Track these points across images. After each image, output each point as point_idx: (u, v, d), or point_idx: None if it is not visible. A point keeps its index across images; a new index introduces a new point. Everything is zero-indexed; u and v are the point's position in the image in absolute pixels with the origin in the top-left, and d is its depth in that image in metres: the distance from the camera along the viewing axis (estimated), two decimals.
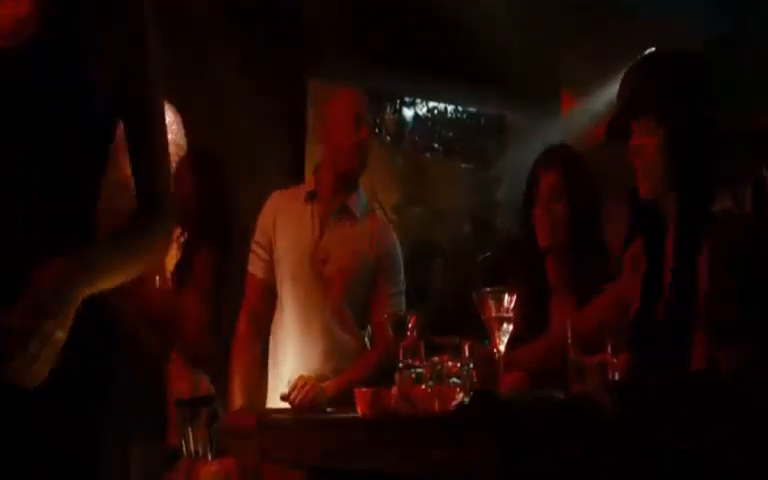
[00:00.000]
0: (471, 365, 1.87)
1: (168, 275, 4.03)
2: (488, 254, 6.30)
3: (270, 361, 3.50)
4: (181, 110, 5.04)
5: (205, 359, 3.64)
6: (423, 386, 1.93)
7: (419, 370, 2.01)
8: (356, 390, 2.52)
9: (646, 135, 2.34)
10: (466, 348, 1.86)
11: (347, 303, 3.40)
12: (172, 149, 4.96)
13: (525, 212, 2.87)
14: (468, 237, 6.68)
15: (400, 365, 2.10)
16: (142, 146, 1.57)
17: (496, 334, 2.02)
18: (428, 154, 6.82)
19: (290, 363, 3.41)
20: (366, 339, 3.51)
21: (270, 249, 3.55)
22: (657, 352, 2.12)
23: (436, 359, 1.83)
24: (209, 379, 3.62)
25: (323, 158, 3.57)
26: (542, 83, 6.72)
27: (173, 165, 4.65)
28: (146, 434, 3.58)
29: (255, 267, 3.59)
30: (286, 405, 3.20)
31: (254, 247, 3.61)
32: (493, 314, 2.02)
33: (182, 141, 5.04)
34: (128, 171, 2.96)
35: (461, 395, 1.82)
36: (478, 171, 6.99)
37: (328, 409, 3.19)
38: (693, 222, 2.22)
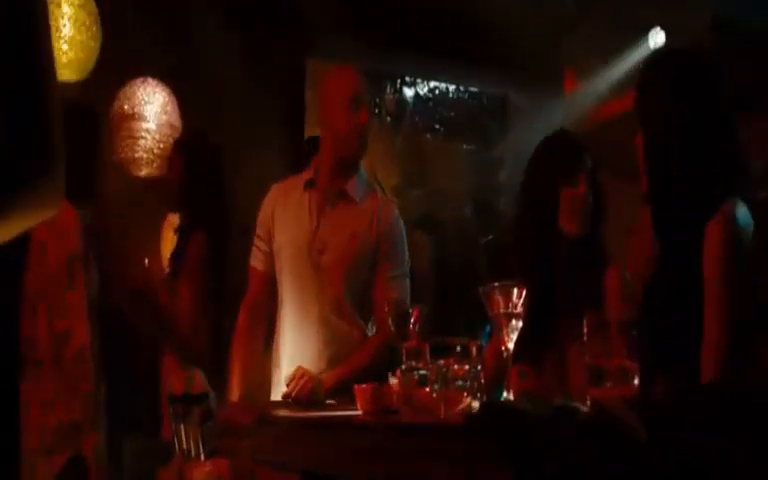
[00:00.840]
0: (479, 367, 1.77)
1: (163, 261, 3.94)
2: (490, 237, 6.20)
3: (273, 355, 3.42)
4: (176, 92, 4.98)
5: (200, 354, 3.60)
6: (427, 388, 1.83)
7: (423, 372, 1.92)
8: (356, 386, 2.43)
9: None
10: (474, 349, 1.75)
11: (347, 293, 3.28)
12: (167, 130, 4.95)
13: (541, 194, 2.63)
14: (470, 220, 6.59)
15: (403, 367, 2.00)
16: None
17: (504, 331, 1.92)
18: (429, 135, 6.75)
19: (289, 357, 3.32)
20: (369, 329, 3.40)
21: (270, 241, 3.47)
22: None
23: (442, 362, 1.72)
24: (204, 375, 3.54)
25: (322, 143, 3.45)
26: (545, 63, 6.62)
27: (167, 147, 4.60)
28: (139, 428, 3.51)
29: (256, 260, 3.51)
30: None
31: (255, 240, 3.53)
32: (501, 310, 1.92)
33: (177, 122, 4.97)
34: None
35: (468, 399, 1.72)
36: (480, 152, 6.92)
37: (328, 401, 3.10)
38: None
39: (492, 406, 1.42)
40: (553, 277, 2.52)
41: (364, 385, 2.42)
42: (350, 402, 2.60)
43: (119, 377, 3.61)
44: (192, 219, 3.81)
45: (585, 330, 1.60)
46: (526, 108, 6.75)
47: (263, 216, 3.53)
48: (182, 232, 3.86)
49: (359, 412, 2.40)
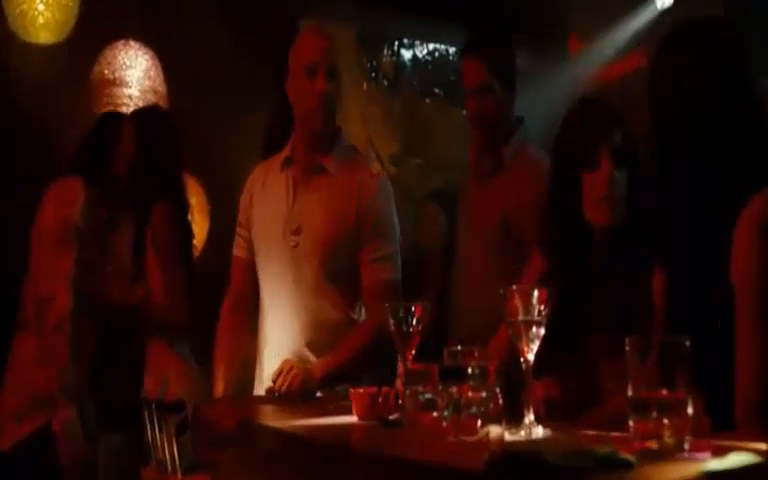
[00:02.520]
0: (498, 389, 1.50)
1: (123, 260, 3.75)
2: None
3: (257, 347, 3.20)
4: (160, 55, 4.71)
5: (182, 328, 3.49)
6: (435, 413, 1.57)
7: (429, 396, 1.66)
8: (352, 392, 2.21)
9: None
10: (492, 373, 1.49)
11: (327, 275, 3.02)
12: (150, 96, 4.68)
13: (561, 181, 2.28)
14: None
15: (407, 392, 1.74)
16: None
17: (524, 340, 1.67)
18: (428, 100, 6.55)
19: (270, 348, 3.09)
20: (358, 312, 3.16)
21: (249, 226, 3.25)
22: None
23: (454, 389, 1.45)
24: (192, 359, 3.36)
25: (295, 117, 3.20)
26: (549, 25, 6.40)
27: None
28: (119, 422, 3.34)
29: (237, 248, 3.30)
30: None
31: (237, 229, 3.32)
32: (520, 317, 1.66)
33: (161, 88, 4.70)
34: None
35: (479, 424, 1.46)
36: None
37: (318, 393, 2.87)
38: None
39: (514, 457, 1.16)
40: (584, 280, 2.21)
41: (361, 390, 2.20)
42: (341, 397, 2.46)
43: (98, 365, 3.44)
44: (147, 193, 3.58)
45: (627, 356, 1.33)
46: (529, 71, 6.55)
47: (243, 200, 3.33)
48: (138, 208, 3.63)
49: (355, 419, 2.18)
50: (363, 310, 3.14)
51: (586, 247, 2.22)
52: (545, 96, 6.72)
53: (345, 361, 2.94)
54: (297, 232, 3.06)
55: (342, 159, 3.14)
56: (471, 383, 1.45)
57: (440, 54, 6.59)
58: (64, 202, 3.44)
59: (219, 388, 3.05)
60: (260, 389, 3.09)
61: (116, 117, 3.91)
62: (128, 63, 4.59)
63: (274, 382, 2.81)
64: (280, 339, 3.06)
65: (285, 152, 3.20)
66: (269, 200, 3.18)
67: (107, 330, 3.47)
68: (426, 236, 5.03)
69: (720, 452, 1.28)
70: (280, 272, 3.08)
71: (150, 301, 3.49)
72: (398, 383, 2.23)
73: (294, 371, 2.83)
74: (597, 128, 2.23)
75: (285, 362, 2.86)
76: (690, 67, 2.07)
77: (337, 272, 3.05)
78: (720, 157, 1.98)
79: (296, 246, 3.05)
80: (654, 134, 2.13)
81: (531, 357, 1.69)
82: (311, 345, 3.02)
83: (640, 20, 6.66)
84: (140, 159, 3.62)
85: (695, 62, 2.07)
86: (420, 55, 6.53)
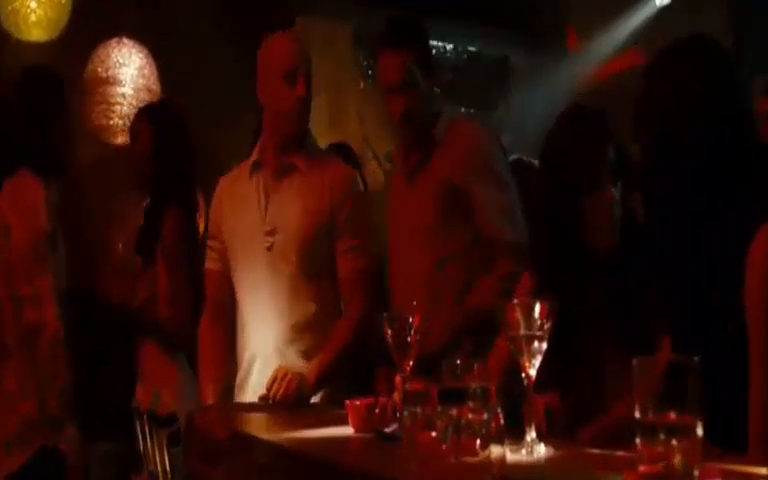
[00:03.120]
0: (499, 409, 1.45)
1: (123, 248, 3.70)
2: None
3: (237, 356, 3.16)
4: (154, 53, 4.66)
5: (182, 339, 3.36)
6: (433, 433, 1.52)
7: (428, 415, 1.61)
8: (348, 403, 2.15)
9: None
10: (494, 393, 1.43)
11: (304, 272, 3.01)
12: (144, 95, 4.63)
13: (558, 193, 2.19)
14: None
15: (405, 413, 1.69)
16: None
17: (525, 356, 1.61)
18: None
19: (249, 354, 3.04)
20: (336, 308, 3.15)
21: (221, 238, 3.21)
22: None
23: (454, 412, 1.40)
24: (187, 365, 3.30)
25: (264, 121, 3.17)
26: (547, 22, 6.38)
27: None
28: (110, 430, 3.29)
29: (210, 261, 3.26)
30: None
31: (208, 242, 3.28)
32: (521, 332, 1.60)
33: (155, 86, 4.64)
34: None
35: (478, 445, 1.41)
36: (479, 116, 6.57)
37: (313, 399, 2.83)
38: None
39: None
40: (581, 305, 2.14)
41: (357, 402, 2.14)
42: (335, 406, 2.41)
43: (88, 370, 3.38)
44: (163, 195, 3.52)
45: (633, 377, 1.27)
46: (527, 69, 6.55)
47: (212, 213, 3.29)
48: (152, 210, 3.57)
49: (350, 430, 2.13)
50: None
51: (580, 264, 2.16)
52: (543, 93, 6.72)
53: (334, 361, 2.89)
54: (272, 233, 3.04)
55: (312, 156, 3.13)
56: (472, 404, 1.40)
57: (437, 52, 6.51)
58: (28, 212, 3.15)
59: (207, 396, 3.02)
60: (241, 397, 3.05)
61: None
62: (122, 61, 4.54)
63: (268, 389, 2.76)
64: (264, 344, 3.01)
65: (253, 157, 3.17)
66: (241, 208, 3.14)
67: (103, 331, 3.39)
68: None
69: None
70: (257, 278, 3.03)
71: (154, 305, 3.43)
72: (395, 394, 2.19)
73: (289, 377, 2.78)
74: (595, 146, 2.16)
75: (279, 369, 2.81)
76: (692, 77, 2.03)
77: (314, 266, 3.03)
78: (721, 162, 1.94)
79: (270, 247, 3.03)
80: (652, 142, 2.07)
81: (533, 372, 1.64)
82: (296, 347, 2.98)
83: (638, 17, 6.65)
84: (158, 160, 3.53)
85: (698, 72, 2.03)
86: None
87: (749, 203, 1.85)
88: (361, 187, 3.21)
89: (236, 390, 3.10)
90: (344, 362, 2.93)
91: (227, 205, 3.20)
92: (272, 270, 3.01)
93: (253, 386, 2.96)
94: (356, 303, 3.01)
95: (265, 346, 3.00)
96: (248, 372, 3.03)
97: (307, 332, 3.01)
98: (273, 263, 3.02)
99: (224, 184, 3.27)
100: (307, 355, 2.98)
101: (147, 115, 3.69)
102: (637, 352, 1.75)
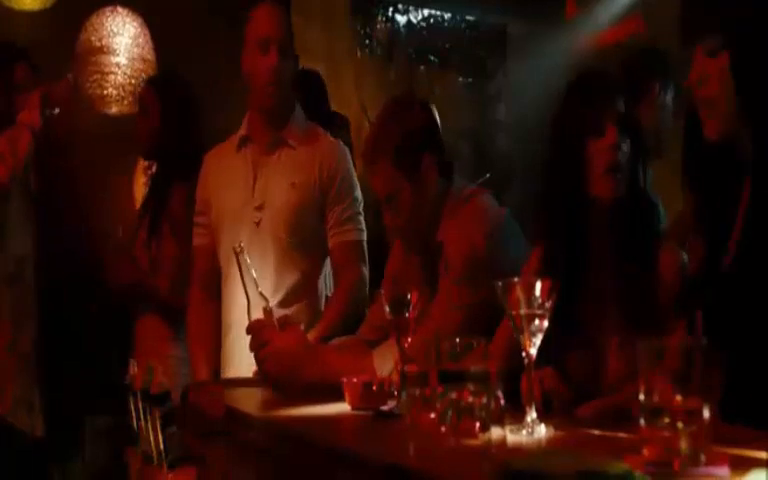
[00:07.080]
0: (500, 392, 1.43)
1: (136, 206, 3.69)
2: (488, 176, 5.87)
3: (222, 333, 3.14)
4: (149, 22, 4.59)
5: (182, 312, 3.35)
6: (432, 415, 1.49)
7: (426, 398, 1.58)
8: (345, 381, 2.12)
9: (708, 62, 1.86)
10: (494, 377, 1.40)
11: (293, 246, 3.01)
12: (139, 65, 4.57)
13: (561, 152, 2.16)
14: (467, 158, 6.28)
15: (403, 395, 1.67)
16: None
17: (526, 334, 1.58)
18: (423, 67, 6.43)
19: (236, 330, 3.01)
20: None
21: (209, 213, 3.19)
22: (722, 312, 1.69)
23: (454, 395, 1.38)
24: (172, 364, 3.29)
25: (249, 95, 3.15)
26: None
27: (139, 83, 4.26)
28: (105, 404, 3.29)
29: (198, 237, 3.26)
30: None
31: (194, 218, 3.26)
32: (522, 311, 1.57)
33: (150, 56, 4.57)
34: None
35: (478, 427, 1.39)
36: (477, 86, 6.62)
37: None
38: None
39: (520, 474, 1.08)
40: (583, 257, 2.11)
41: (354, 380, 2.11)
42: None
43: (83, 343, 3.38)
44: (170, 168, 3.50)
45: (638, 359, 1.24)
46: (526, 38, 6.49)
47: (199, 189, 3.28)
48: (159, 183, 3.55)
49: (347, 408, 2.11)
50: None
51: (586, 223, 2.12)
52: (541, 63, 6.68)
53: (329, 334, 2.87)
54: (260, 208, 3.03)
55: (301, 131, 3.13)
56: (472, 387, 1.37)
57: (435, 20, 6.48)
58: None
59: (200, 371, 3.04)
60: (228, 373, 3.06)
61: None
62: (115, 30, 4.46)
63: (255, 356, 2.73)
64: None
65: (241, 132, 3.17)
66: (228, 182, 3.14)
67: (103, 307, 3.38)
68: None
69: (738, 465, 1.20)
70: (248, 253, 3.02)
71: (155, 278, 3.48)
72: (393, 372, 2.17)
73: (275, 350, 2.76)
74: (601, 97, 2.13)
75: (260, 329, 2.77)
76: None
77: (302, 242, 3.05)
78: None
79: (259, 222, 3.01)
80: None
81: (533, 351, 1.61)
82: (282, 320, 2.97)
83: None
84: (166, 133, 3.57)
85: None
86: (415, 21, 6.42)
87: None
88: (349, 156, 3.21)
89: (222, 363, 3.10)
90: (340, 333, 2.90)
91: (214, 180, 3.19)
92: (260, 245, 3.00)
93: (239, 357, 2.95)
94: (348, 274, 3.06)
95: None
96: (233, 345, 3.02)
97: (295, 305, 3.01)
98: (261, 238, 3.01)
99: (210, 159, 3.27)
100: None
101: (156, 88, 3.67)
102: (637, 324, 1.74)
